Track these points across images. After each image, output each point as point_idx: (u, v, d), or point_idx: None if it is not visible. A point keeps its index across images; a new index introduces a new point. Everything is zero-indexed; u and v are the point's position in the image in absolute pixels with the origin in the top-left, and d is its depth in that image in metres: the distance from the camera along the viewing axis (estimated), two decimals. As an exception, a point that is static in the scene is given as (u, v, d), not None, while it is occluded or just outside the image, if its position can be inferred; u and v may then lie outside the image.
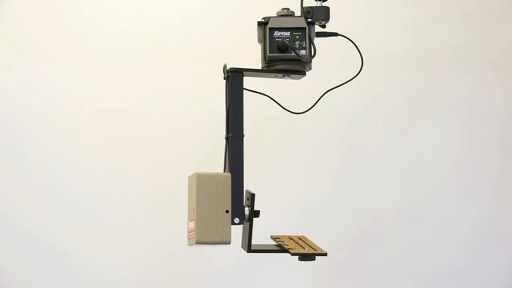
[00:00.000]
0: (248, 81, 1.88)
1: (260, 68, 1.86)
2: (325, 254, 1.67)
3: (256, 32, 1.84)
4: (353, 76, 1.91)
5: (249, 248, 1.74)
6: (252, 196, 1.73)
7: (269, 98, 1.96)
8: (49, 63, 2.73)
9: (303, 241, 1.78)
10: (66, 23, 2.75)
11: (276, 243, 1.77)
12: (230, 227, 1.70)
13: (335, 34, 1.89)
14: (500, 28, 2.74)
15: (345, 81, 1.92)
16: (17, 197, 2.70)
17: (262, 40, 1.82)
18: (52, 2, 2.76)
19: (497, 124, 2.74)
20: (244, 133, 1.79)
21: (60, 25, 2.75)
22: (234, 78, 1.82)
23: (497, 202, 2.72)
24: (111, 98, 2.73)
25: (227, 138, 1.80)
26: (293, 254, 1.69)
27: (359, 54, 1.90)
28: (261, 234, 1.83)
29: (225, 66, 1.84)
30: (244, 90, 1.83)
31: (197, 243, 1.69)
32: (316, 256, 1.68)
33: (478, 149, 2.72)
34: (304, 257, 1.68)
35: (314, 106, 1.96)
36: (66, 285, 2.68)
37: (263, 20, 1.83)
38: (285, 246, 1.73)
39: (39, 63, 2.73)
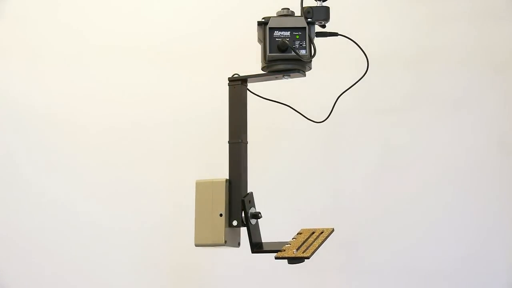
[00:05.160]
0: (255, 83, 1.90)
1: (260, 68, 1.87)
2: (308, 257, 1.69)
3: (256, 32, 1.84)
4: (361, 76, 1.91)
5: (252, 248, 1.78)
6: (242, 201, 1.77)
7: (268, 101, 1.97)
8: (49, 63, 2.73)
9: (318, 235, 1.79)
10: (67, 23, 2.75)
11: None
12: (223, 229, 1.76)
13: (335, 34, 1.89)
14: (502, 27, 2.73)
15: (354, 82, 1.92)
16: (18, 197, 2.70)
17: (262, 40, 1.83)
18: (53, 2, 2.76)
19: (498, 123, 2.73)
20: (241, 139, 1.82)
21: (60, 25, 2.75)
22: (233, 87, 1.83)
23: (496, 202, 2.71)
24: (113, 99, 2.73)
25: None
26: (276, 258, 1.72)
27: (358, 53, 1.90)
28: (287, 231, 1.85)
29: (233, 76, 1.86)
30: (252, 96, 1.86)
31: (196, 245, 1.78)
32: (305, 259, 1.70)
33: (478, 149, 2.72)
34: (292, 260, 1.70)
35: (314, 107, 1.97)
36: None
37: (263, 20, 1.83)
38: (287, 246, 1.75)
39: (39, 63, 2.73)
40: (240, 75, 1.85)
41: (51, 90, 2.73)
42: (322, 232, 1.80)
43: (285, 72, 1.83)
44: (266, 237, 1.83)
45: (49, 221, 2.68)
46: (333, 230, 1.82)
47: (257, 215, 1.79)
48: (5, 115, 2.72)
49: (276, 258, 1.72)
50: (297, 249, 1.72)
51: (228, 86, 1.85)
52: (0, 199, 2.69)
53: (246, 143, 1.84)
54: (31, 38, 2.74)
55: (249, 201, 1.80)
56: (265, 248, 1.80)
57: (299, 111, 1.98)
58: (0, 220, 2.68)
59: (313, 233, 1.81)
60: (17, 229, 2.69)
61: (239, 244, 1.82)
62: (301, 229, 1.85)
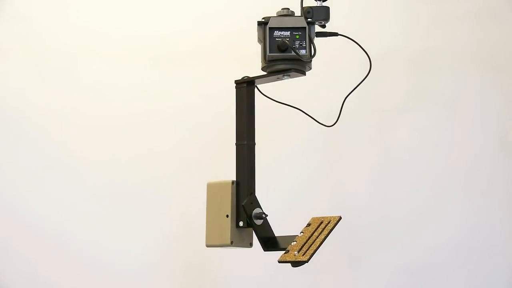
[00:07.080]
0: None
1: (259, 68, 1.87)
2: (306, 261, 1.71)
3: (256, 32, 1.84)
4: (364, 76, 1.91)
5: (263, 247, 1.81)
6: (242, 207, 1.79)
7: (268, 102, 1.97)
8: (48, 63, 2.73)
9: (324, 227, 1.80)
10: (66, 23, 2.75)
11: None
12: (229, 230, 1.78)
13: (335, 34, 1.89)
14: (502, 27, 2.74)
15: (358, 83, 1.92)
16: (20, 196, 2.70)
17: (262, 40, 1.83)
18: (53, 2, 2.76)
19: (498, 123, 2.74)
20: (247, 141, 1.82)
21: (60, 25, 2.75)
22: (239, 89, 1.84)
23: (496, 202, 2.72)
24: (115, 100, 2.73)
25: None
26: (279, 262, 1.73)
27: (359, 54, 1.90)
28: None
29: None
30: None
31: (206, 246, 1.83)
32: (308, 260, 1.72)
33: (479, 148, 2.72)
34: (294, 263, 1.72)
35: (316, 108, 1.97)
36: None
37: (263, 20, 1.83)
38: (292, 245, 1.76)
39: (39, 63, 2.73)
40: (243, 76, 1.86)
41: (51, 90, 2.72)
42: (329, 222, 1.81)
43: (285, 72, 1.83)
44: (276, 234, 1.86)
45: (51, 223, 2.68)
46: (340, 218, 1.83)
47: (260, 216, 1.80)
48: (4, 115, 2.72)
49: (279, 262, 1.74)
50: (299, 251, 1.73)
51: (235, 89, 1.86)
52: (1, 200, 2.69)
53: (254, 144, 1.84)
54: (31, 38, 2.74)
55: (251, 203, 1.80)
56: (276, 244, 1.82)
57: (307, 113, 1.98)
58: (1, 221, 2.68)
59: (321, 223, 1.82)
60: (26, 230, 2.69)
61: (251, 244, 1.83)
62: (311, 219, 1.86)
